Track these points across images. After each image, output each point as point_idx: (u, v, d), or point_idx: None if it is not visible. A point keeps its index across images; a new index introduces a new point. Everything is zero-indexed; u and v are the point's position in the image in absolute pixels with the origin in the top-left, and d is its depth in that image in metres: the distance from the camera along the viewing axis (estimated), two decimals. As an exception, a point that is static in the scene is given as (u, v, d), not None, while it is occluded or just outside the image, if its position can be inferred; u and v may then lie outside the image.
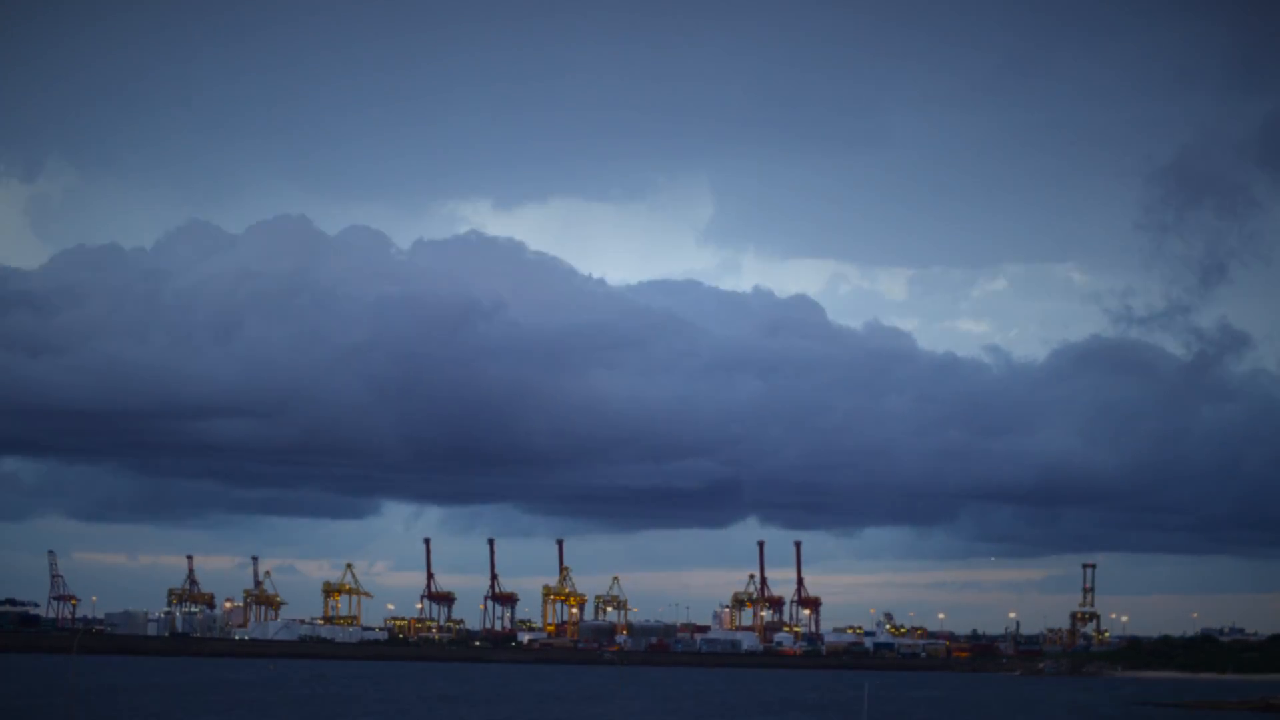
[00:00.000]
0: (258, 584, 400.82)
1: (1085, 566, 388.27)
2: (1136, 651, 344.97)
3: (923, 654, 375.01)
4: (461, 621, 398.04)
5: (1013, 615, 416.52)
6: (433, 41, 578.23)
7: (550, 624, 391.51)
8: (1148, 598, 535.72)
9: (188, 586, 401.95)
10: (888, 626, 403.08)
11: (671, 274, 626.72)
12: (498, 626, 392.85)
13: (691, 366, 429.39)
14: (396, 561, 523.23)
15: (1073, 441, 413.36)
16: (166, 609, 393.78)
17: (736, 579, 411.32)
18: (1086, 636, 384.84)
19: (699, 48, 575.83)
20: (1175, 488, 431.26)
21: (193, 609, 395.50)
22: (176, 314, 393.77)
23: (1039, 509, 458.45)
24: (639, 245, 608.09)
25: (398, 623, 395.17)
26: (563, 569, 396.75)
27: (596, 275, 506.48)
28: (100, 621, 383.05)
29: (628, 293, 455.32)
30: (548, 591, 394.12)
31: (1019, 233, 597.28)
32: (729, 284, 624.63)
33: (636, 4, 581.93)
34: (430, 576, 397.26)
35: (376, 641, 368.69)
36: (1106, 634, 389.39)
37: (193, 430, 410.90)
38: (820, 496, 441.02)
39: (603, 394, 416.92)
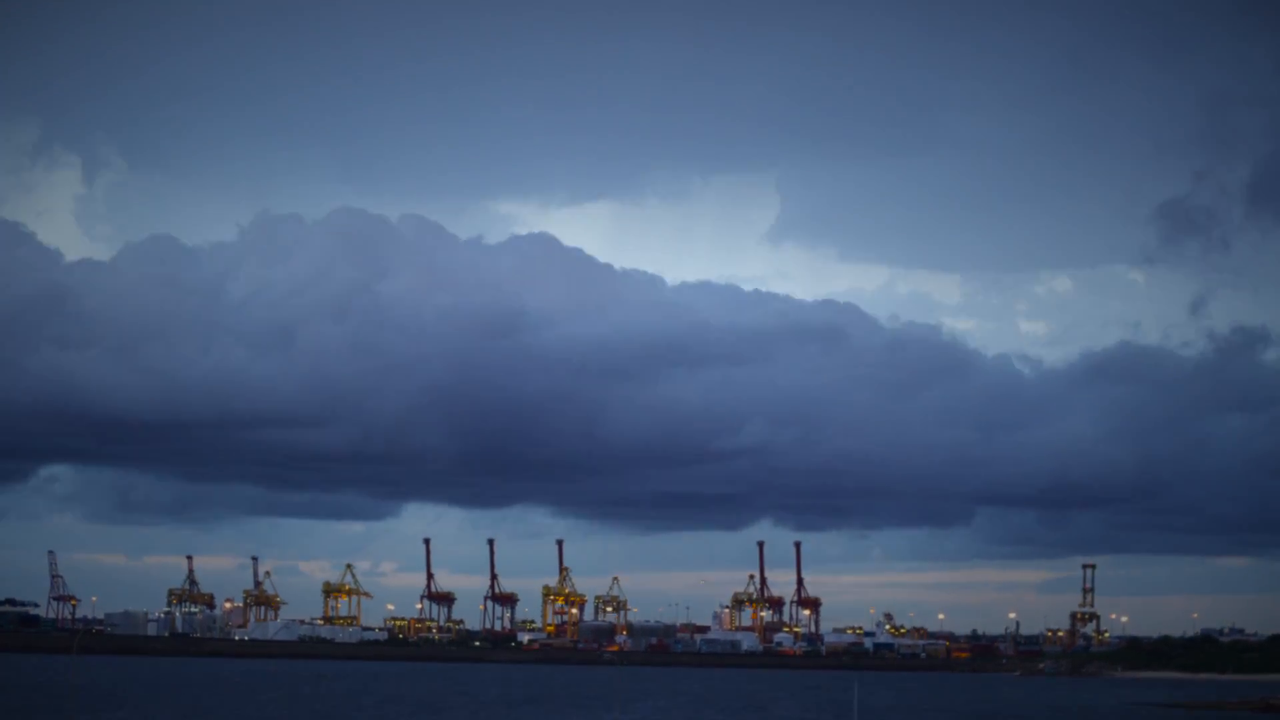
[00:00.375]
0: (257, 584, 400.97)
1: (1085, 567, 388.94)
2: (1136, 652, 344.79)
3: (922, 654, 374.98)
4: (461, 622, 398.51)
5: (1012, 615, 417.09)
6: (489, 40, 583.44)
7: (550, 624, 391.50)
8: (1147, 598, 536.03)
9: (187, 587, 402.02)
10: (887, 627, 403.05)
11: (723, 278, 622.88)
12: (498, 627, 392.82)
13: (726, 370, 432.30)
14: (405, 563, 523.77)
15: (1082, 445, 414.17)
16: (166, 609, 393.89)
17: (737, 579, 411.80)
18: (1086, 637, 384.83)
19: (751, 51, 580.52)
20: (1179, 489, 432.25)
21: (193, 609, 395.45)
22: (232, 316, 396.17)
23: (1041, 511, 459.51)
24: (694, 248, 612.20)
25: (398, 623, 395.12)
26: (562, 569, 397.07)
27: (651, 278, 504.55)
28: (100, 622, 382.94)
29: (676, 295, 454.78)
30: (548, 592, 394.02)
31: (1072, 237, 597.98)
32: (781, 287, 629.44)
33: (697, 8, 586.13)
34: (430, 577, 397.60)
35: (376, 642, 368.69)
36: (1106, 634, 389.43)
37: (239, 438, 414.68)
38: (832, 499, 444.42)
39: (638, 399, 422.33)
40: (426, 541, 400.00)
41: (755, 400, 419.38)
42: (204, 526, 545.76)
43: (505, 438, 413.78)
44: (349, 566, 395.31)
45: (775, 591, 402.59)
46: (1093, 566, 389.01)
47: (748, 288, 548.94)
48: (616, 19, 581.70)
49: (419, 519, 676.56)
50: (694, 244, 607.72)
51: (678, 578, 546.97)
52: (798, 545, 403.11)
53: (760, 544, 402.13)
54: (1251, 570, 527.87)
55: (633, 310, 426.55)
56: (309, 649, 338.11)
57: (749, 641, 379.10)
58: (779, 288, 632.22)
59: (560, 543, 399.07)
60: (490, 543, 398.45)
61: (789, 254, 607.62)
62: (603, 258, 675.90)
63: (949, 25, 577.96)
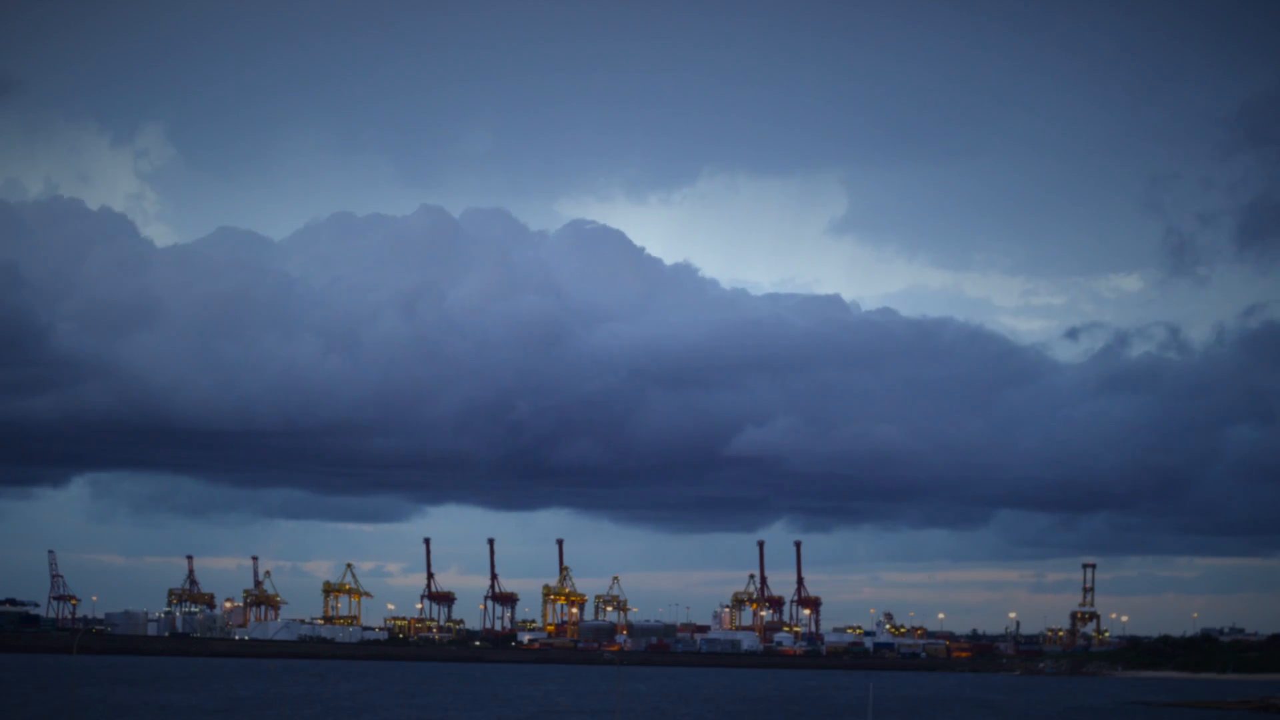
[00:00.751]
0: (257, 584, 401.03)
1: (1085, 566, 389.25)
2: (1136, 651, 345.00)
3: (923, 654, 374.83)
4: (461, 621, 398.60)
5: (1012, 615, 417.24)
6: (559, 37, 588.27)
7: (550, 624, 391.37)
8: (1147, 598, 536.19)
9: (188, 586, 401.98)
10: (888, 626, 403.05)
11: (783, 279, 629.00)
12: (498, 627, 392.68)
13: (772, 374, 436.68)
14: (413, 563, 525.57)
15: (1093, 448, 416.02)
16: (166, 609, 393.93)
17: (738, 579, 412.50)
18: (1086, 636, 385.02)
19: (815, 53, 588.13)
20: (1183, 491, 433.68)
21: (193, 609, 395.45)
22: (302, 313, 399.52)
23: (1044, 511, 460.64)
24: (754, 249, 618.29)
25: (398, 623, 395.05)
26: (563, 569, 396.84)
27: (708, 280, 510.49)
28: (100, 621, 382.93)
29: (734, 298, 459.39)
30: (548, 591, 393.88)
31: (1132, 238, 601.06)
32: (839, 288, 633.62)
33: (769, 13, 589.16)
34: (430, 576, 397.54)
35: (377, 641, 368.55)
36: (1106, 634, 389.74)
37: (288, 445, 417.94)
38: (844, 501, 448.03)
39: (683, 402, 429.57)
40: (426, 541, 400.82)
41: (791, 404, 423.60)
42: (213, 527, 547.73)
43: (545, 441, 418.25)
44: (349, 566, 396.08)
45: (776, 591, 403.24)
46: (1093, 566, 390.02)
47: (806, 290, 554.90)
48: (680, 20, 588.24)
49: (434, 521, 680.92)
50: (754, 245, 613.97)
51: (678, 577, 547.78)
52: (798, 545, 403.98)
53: (760, 543, 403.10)
54: (1251, 570, 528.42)
55: (691, 312, 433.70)
56: (309, 649, 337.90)
57: (749, 641, 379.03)
58: (837, 289, 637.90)
59: (560, 542, 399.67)
60: (490, 542, 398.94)
61: (849, 255, 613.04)
62: (667, 258, 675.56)
63: (1013, 26, 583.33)
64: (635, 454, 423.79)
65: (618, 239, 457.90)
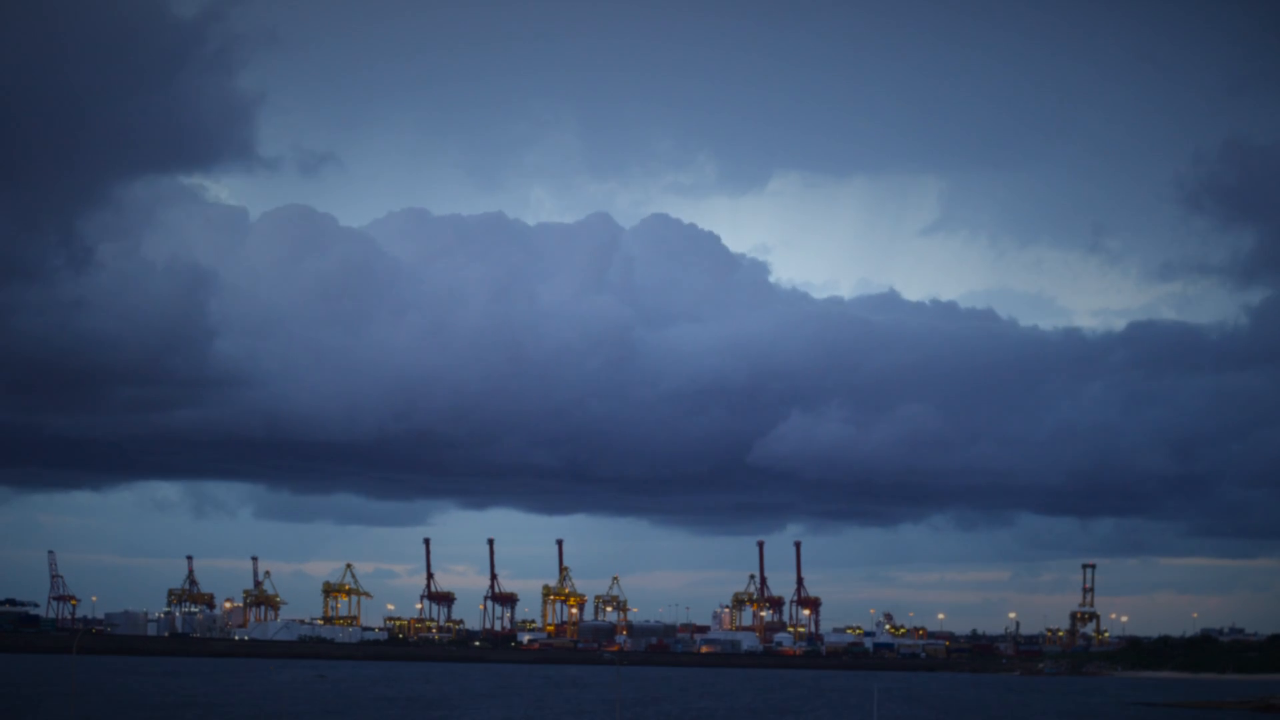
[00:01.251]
0: (257, 584, 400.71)
1: (1085, 567, 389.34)
2: (1136, 652, 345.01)
3: (922, 654, 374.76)
4: (461, 622, 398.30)
5: (1012, 615, 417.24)
6: (640, 35, 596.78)
7: (550, 624, 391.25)
8: (1146, 598, 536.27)
9: (187, 587, 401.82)
10: (887, 627, 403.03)
11: (862, 281, 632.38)
12: (497, 627, 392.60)
13: (819, 377, 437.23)
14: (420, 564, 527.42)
15: (1107, 451, 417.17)
16: (166, 609, 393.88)
17: (737, 579, 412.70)
18: (1086, 636, 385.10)
19: (903, 54, 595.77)
20: (1184, 492, 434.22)
21: (193, 609, 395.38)
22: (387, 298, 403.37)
23: (1045, 512, 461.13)
24: (836, 252, 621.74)
25: (398, 623, 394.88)
26: (562, 569, 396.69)
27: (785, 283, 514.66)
28: (100, 621, 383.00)
29: (788, 297, 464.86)
30: (548, 591, 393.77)
31: (1205, 240, 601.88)
32: (899, 290, 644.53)
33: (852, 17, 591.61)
34: (430, 577, 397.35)
35: (376, 642, 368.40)
36: (1106, 634, 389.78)
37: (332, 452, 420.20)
38: (854, 503, 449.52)
39: (734, 406, 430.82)
40: (426, 542, 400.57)
41: (846, 400, 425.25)
42: (213, 528, 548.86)
43: (599, 446, 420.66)
44: (348, 566, 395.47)
45: (776, 591, 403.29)
46: (1092, 566, 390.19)
47: (873, 291, 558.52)
48: (756, 24, 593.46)
49: (442, 521, 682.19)
50: (835, 246, 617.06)
51: (677, 577, 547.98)
52: (798, 545, 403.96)
53: (760, 544, 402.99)
54: (1251, 570, 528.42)
55: (767, 311, 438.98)
56: (309, 649, 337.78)
57: (749, 641, 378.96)
58: (901, 289, 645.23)
59: (560, 542, 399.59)
60: (490, 542, 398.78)
61: (922, 256, 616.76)
62: (746, 259, 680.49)
63: (1096, 29, 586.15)
64: (676, 460, 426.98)
65: (706, 239, 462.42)
